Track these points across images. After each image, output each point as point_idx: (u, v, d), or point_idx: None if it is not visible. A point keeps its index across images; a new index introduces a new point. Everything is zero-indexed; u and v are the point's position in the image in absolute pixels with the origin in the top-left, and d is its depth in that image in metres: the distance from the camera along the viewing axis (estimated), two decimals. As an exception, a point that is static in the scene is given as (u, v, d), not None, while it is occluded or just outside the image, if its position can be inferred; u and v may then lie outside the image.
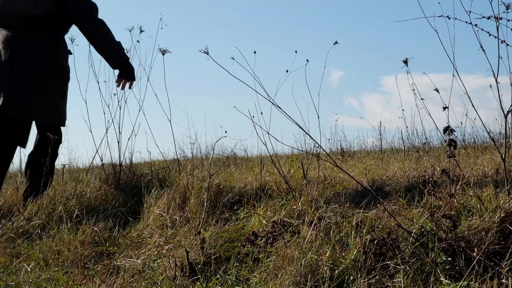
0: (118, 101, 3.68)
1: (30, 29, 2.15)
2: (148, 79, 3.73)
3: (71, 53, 2.48)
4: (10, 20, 2.19)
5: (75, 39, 3.47)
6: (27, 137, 2.43)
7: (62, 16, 2.26)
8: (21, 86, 2.23)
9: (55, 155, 2.50)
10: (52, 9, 2.20)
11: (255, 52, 4.35)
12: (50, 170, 2.43)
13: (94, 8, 2.28)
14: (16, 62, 2.20)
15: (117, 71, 2.65)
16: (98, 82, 3.74)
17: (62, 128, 2.56)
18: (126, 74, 2.52)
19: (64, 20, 2.29)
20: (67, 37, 2.64)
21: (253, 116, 3.92)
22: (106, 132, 3.69)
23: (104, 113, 3.74)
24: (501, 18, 1.94)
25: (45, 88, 2.30)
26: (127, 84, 2.66)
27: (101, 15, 2.74)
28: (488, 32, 1.98)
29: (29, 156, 2.56)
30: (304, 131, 2.31)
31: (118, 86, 2.58)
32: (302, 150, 4.50)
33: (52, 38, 2.29)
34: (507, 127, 2.10)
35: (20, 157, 4.55)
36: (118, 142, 3.73)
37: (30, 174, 2.55)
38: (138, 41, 3.75)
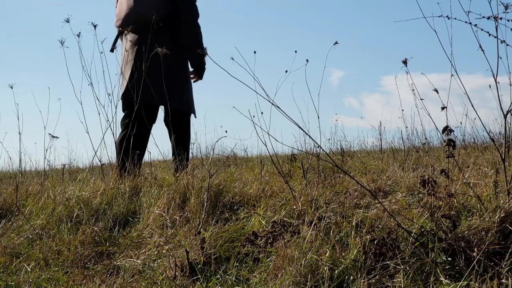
0: (111, 102, 3.70)
1: (155, 33, 2.53)
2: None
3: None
4: (138, 25, 2.58)
5: (65, 41, 3.49)
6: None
7: (174, 18, 2.64)
8: (157, 79, 2.64)
9: (186, 136, 2.94)
10: (168, 12, 2.61)
11: (255, 52, 4.34)
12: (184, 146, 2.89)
13: (198, 15, 2.68)
14: (147, 58, 2.58)
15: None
16: (91, 84, 3.75)
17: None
18: (199, 73, 2.92)
19: (176, 22, 2.65)
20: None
21: (253, 116, 3.91)
22: (103, 137, 3.70)
23: (99, 114, 3.75)
24: (500, 18, 1.95)
25: (178, 79, 2.71)
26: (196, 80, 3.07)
27: (101, 15, 2.79)
28: (487, 32, 1.98)
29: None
30: (304, 131, 2.32)
31: (193, 78, 2.95)
32: (302, 150, 4.50)
33: (172, 38, 2.67)
34: (507, 127, 2.10)
35: (20, 157, 4.55)
36: (115, 143, 3.73)
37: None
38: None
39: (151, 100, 2.76)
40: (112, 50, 2.99)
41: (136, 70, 2.70)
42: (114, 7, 2.81)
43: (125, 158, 2.92)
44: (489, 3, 1.94)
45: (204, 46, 2.67)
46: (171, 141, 2.98)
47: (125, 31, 2.75)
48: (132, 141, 2.88)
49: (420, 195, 2.44)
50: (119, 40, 2.91)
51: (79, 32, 3.66)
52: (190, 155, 3.63)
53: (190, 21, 2.65)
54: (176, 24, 2.68)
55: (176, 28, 2.69)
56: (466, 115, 5.09)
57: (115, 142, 3.24)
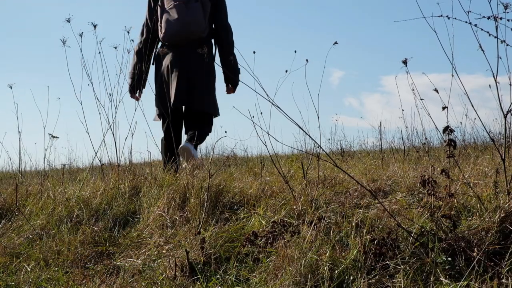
0: (110, 101, 3.71)
1: (198, 45, 2.81)
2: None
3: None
4: (185, 41, 2.98)
5: (67, 41, 3.50)
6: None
7: (211, 37, 3.14)
8: (194, 88, 3.07)
9: (208, 128, 3.27)
10: (209, 32, 3.09)
11: (254, 52, 4.34)
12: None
13: (232, 35, 3.16)
14: (186, 69, 3.05)
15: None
16: (92, 83, 3.75)
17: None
18: (234, 88, 3.34)
19: (211, 40, 3.16)
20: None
21: (253, 116, 3.91)
22: (104, 138, 3.71)
23: (100, 114, 3.75)
24: (500, 18, 1.94)
25: (210, 89, 3.15)
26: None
27: (101, 15, 2.86)
28: (487, 32, 1.98)
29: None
30: (304, 131, 2.32)
31: (227, 92, 3.38)
32: (302, 150, 4.50)
33: (210, 48, 3.12)
34: (507, 127, 2.10)
35: (20, 157, 4.55)
36: (115, 142, 3.73)
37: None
38: (132, 40, 3.78)
39: (194, 105, 3.15)
40: (153, 63, 3.31)
41: (184, 80, 3.08)
42: (149, 17, 3.16)
43: (167, 158, 3.29)
44: (489, 3, 1.94)
45: (239, 66, 3.09)
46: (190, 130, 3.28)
47: (171, 45, 3.11)
48: (176, 143, 3.29)
49: (420, 195, 2.44)
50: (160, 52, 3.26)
51: (82, 32, 3.67)
52: None
53: (232, 45, 3.13)
54: (209, 39, 3.13)
55: (212, 45, 3.14)
56: (466, 115, 5.09)
57: (162, 143, 3.50)
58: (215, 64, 3.20)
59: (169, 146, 3.24)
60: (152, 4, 3.18)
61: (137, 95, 3.39)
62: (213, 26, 3.15)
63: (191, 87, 3.11)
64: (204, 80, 3.12)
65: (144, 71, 3.27)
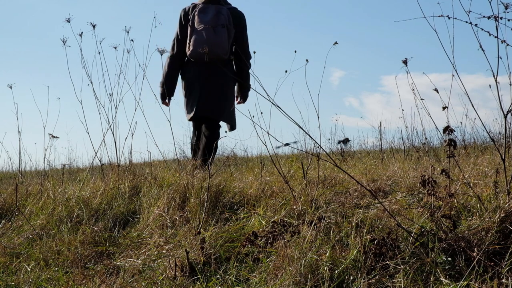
0: (110, 102, 3.73)
1: (221, 64, 3.43)
2: (143, 77, 3.75)
3: None
4: (209, 60, 3.35)
5: (67, 40, 3.51)
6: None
7: (231, 59, 3.61)
8: (216, 101, 3.48)
9: (216, 137, 3.58)
10: (231, 54, 3.54)
11: (254, 52, 4.36)
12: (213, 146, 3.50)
13: (250, 56, 3.60)
14: (210, 83, 3.46)
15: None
16: (92, 83, 3.76)
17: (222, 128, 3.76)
18: (245, 100, 3.80)
19: (231, 62, 3.63)
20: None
21: (253, 116, 3.91)
22: (104, 138, 3.71)
23: (100, 114, 3.75)
24: (501, 18, 1.94)
25: (231, 103, 3.58)
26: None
27: (101, 15, 2.87)
28: (488, 32, 1.98)
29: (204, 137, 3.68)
30: (304, 131, 2.31)
31: (237, 103, 3.78)
32: (302, 150, 4.50)
33: (231, 68, 3.59)
34: (507, 127, 2.10)
35: (20, 157, 4.55)
36: (115, 142, 3.73)
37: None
38: (132, 40, 3.79)
39: (216, 116, 3.54)
40: (181, 74, 3.68)
41: (204, 92, 3.48)
42: (181, 33, 3.54)
43: (196, 157, 3.62)
44: (490, 2, 1.94)
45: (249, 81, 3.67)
46: (202, 143, 3.64)
47: (197, 62, 3.50)
48: (196, 145, 3.67)
49: (420, 195, 2.44)
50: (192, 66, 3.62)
51: (82, 32, 3.68)
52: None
53: (249, 65, 3.57)
54: (231, 64, 3.61)
55: (230, 62, 3.60)
56: (466, 115, 5.09)
57: (191, 145, 3.79)
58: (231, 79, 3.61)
59: (196, 150, 3.69)
60: (183, 22, 3.54)
61: (166, 101, 3.73)
62: (236, 49, 3.60)
63: (212, 100, 3.48)
64: (223, 94, 3.51)
65: (174, 81, 3.67)
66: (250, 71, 3.60)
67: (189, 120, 3.64)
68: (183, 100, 3.64)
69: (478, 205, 1.96)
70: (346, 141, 5.57)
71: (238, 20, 3.50)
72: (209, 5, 3.45)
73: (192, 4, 3.55)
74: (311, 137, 2.19)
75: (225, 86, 3.52)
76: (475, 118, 5.24)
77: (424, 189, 2.13)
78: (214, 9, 3.42)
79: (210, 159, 3.38)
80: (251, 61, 3.59)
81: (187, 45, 3.46)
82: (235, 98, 3.76)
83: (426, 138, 4.85)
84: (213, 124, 3.59)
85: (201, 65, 3.47)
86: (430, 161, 3.39)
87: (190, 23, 3.44)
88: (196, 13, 3.42)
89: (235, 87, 3.73)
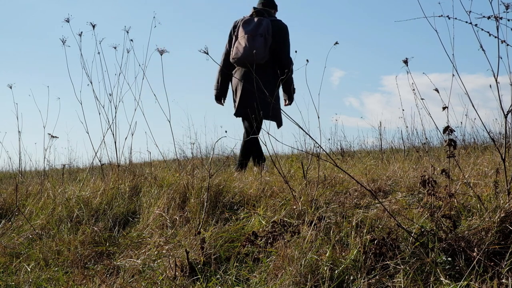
0: (110, 102, 3.73)
1: (259, 69, 3.72)
2: (143, 77, 3.76)
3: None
4: (249, 65, 3.75)
5: (66, 40, 3.51)
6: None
7: (271, 61, 3.94)
8: (252, 100, 3.76)
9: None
10: (269, 58, 3.88)
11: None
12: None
13: (292, 61, 3.96)
14: (250, 85, 3.79)
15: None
16: (91, 83, 3.76)
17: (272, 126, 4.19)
18: (290, 102, 4.12)
19: (271, 63, 3.95)
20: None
21: (253, 116, 3.91)
22: (104, 138, 3.71)
23: (100, 114, 3.75)
24: (501, 18, 1.94)
25: (266, 100, 3.65)
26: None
27: (101, 15, 2.88)
28: (488, 32, 1.98)
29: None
30: (304, 131, 2.31)
31: (285, 105, 4.15)
32: (302, 150, 4.50)
33: (272, 71, 3.90)
34: (507, 127, 2.10)
35: (20, 157, 4.55)
36: (115, 142, 3.74)
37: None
38: (131, 40, 3.79)
39: (259, 114, 3.80)
40: (227, 77, 4.10)
41: (246, 94, 3.88)
42: (229, 42, 4.02)
43: (245, 158, 4.01)
44: (490, 3, 1.94)
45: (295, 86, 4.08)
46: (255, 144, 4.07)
47: (239, 66, 3.97)
48: (247, 144, 4.00)
49: (420, 195, 2.44)
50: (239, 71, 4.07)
51: (81, 32, 3.68)
52: (190, 155, 3.88)
53: (290, 70, 3.88)
54: (271, 66, 3.91)
55: (271, 68, 3.91)
56: (466, 115, 5.09)
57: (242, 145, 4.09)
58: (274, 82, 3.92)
59: (244, 147, 4.04)
60: (232, 33, 4.06)
61: (221, 101, 4.19)
62: (277, 55, 3.97)
63: (251, 100, 3.79)
64: (263, 95, 3.77)
65: (225, 84, 4.14)
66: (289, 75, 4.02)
67: (236, 115, 4.06)
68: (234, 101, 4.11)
69: (478, 205, 1.96)
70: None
71: (278, 30, 3.93)
72: (253, 17, 3.97)
73: (242, 17, 4.06)
74: (311, 137, 2.19)
75: (266, 89, 3.79)
76: (475, 118, 5.24)
77: (424, 189, 2.13)
78: (257, 21, 3.90)
79: (259, 156, 3.91)
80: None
81: (231, 52, 3.95)
82: (284, 101, 4.17)
83: (426, 138, 4.86)
84: (253, 123, 3.95)
85: (243, 69, 3.94)
86: (430, 161, 3.38)
87: (235, 33, 3.98)
88: (241, 24, 3.95)
89: (280, 89, 4.14)
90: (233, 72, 4.06)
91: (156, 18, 3.75)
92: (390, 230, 1.88)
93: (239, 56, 3.83)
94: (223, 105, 4.22)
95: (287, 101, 4.15)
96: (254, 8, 4.02)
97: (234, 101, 4.06)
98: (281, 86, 4.08)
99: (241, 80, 3.92)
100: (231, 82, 4.11)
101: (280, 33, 3.93)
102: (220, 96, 4.17)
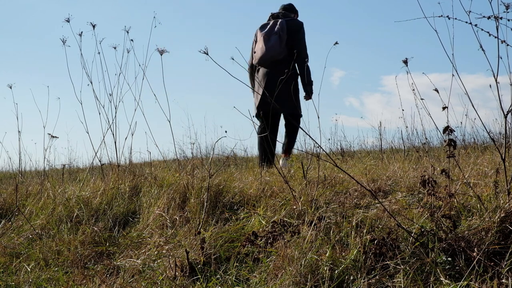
0: (110, 102, 3.72)
1: (279, 65, 4.01)
2: (143, 77, 3.76)
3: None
4: (268, 62, 4.09)
5: (67, 40, 3.51)
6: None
7: (289, 58, 4.14)
8: (278, 96, 3.96)
9: (296, 131, 4.28)
10: (286, 55, 4.12)
11: (254, 52, 4.37)
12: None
13: (307, 57, 4.19)
14: (275, 82, 3.91)
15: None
16: (91, 83, 3.76)
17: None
18: (309, 95, 4.28)
19: (289, 59, 4.15)
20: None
21: (253, 116, 3.91)
22: (104, 138, 3.71)
23: (100, 114, 3.75)
24: (501, 18, 1.94)
25: (289, 95, 4.02)
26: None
27: (101, 15, 2.87)
28: (488, 32, 1.98)
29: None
30: (304, 131, 2.31)
31: (305, 99, 4.31)
32: (302, 150, 4.50)
33: (290, 67, 4.03)
34: (507, 127, 2.10)
35: (20, 157, 4.55)
36: (115, 142, 3.74)
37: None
38: (132, 40, 3.80)
39: (279, 109, 4.08)
40: (253, 82, 4.38)
41: (267, 90, 4.08)
42: (252, 48, 4.34)
43: (264, 154, 4.13)
44: (490, 3, 1.94)
45: (312, 79, 4.26)
46: (286, 135, 4.29)
47: (260, 66, 4.25)
48: (266, 140, 4.09)
49: (420, 195, 2.44)
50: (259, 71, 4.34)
51: (81, 32, 3.68)
52: (190, 155, 3.89)
53: (305, 63, 4.14)
54: (290, 61, 4.08)
55: (289, 63, 4.08)
56: (466, 115, 5.09)
57: (259, 142, 4.22)
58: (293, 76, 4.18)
59: (263, 142, 4.19)
60: (254, 38, 4.39)
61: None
62: (293, 50, 4.17)
63: (277, 96, 3.98)
64: (284, 89, 3.98)
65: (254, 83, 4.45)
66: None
67: (256, 116, 4.28)
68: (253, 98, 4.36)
69: (478, 205, 1.96)
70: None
71: (293, 27, 4.19)
72: (270, 21, 4.31)
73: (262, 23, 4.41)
74: (310, 137, 2.19)
75: (284, 83, 4.02)
76: (475, 118, 5.25)
77: (424, 189, 2.13)
78: (272, 23, 4.23)
79: (288, 145, 4.15)
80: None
81: (253, 54, 4.30)
82: (304, 97, 4.36)
83: (426, 138, 4.86)
84: (278, 118, 4.22)
85: (264, 68, 4.21)
86: (430, 161, 3.38)
87: (256, 37, 4.36)
88: (259, 28, 4.32)
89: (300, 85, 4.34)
90: (255, 72, 4.33)
91: (156, 18, 3.75)
92: (390, 230, 1.88)
93: (258, 56, 4.16)
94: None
95: (307, 96, 4.32)
96: (272, 13, 4.36)
97: (256, 99, 4.28)
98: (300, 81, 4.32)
99: (264, 77, 4.18)
100: (254, 81, 4.40)
101: (295, 29, 4.18)
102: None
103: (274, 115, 4.14)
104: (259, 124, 4.26)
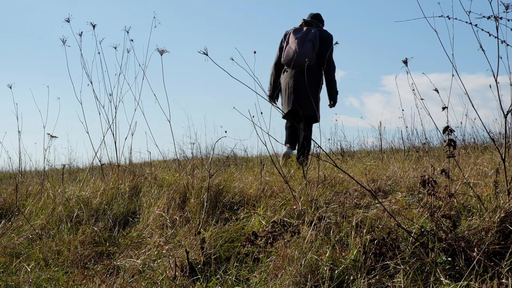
0: (110, 102, 3.73)
1: (308, 70, 4.02)
2: (143, 77, 3.76)
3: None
4: (299, 66, 4.23)
5: (67, 40, 3.51)
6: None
7: (317, 64, 4.36)
8: (302, 98, 4.25)
9: (310, 137, 4.35)
10: (316, 62, 4.33)
11: (255, 52, 4.35)
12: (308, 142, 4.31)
13: (335, 66, 4.45)
14: (301, 86, 4.28)
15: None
16: (91, 83, 3.76)
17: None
18: (333, 104, 4.49)
19: (318, 65, 4.38)
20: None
21: (253, 116, 3.90)
22: (104, 138, 3.71)
23: (100, 114, 3.75)
24: (501, 18, 1.94)
25: (314, 100, 4.22)
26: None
27: (101, 15, 2.88)
28: (488, 32, 1.98)
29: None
30: (303, 130, 2.31)
31: (329, 106, 4.54)
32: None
33: (318, 73, 4.34)
34: (507, 127, 2.10)
35: (20, 157, 4.55)
36: (115, 142, 3.74)
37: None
38: (132, 40, 3.80)
39: (302, 111, 4.19)
40: (275, 91, 4.58)
41: (294, 92, 4.32)
42: (280, 48, 4.51)
43: (289, 137, 4.35)
44: (490, 3, 1.94)
45: (337, 87, 4.49)
46: (301, 136, 4.42)
47: (288, 67, 4.42)
48: (292, 135, 4.31)
49: (420, 195, 2.44)
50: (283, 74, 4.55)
51: (81, 32, 3.68)
52: (190, 155, 3.90)
53: (333, 73, 4.41)
54: (317, 68, 4.34)
55: (318, 69, 4.34)
56: (466, 115, 5.09)
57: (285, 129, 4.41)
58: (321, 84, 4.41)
59: (289, 135, 4.41)
60: (283, 39, 4.59)
61: (274, 100, 4.58)
62: (322, 59, 4.39)
63: (301, 98, 4.29)
64: (309, 93, 4.26)
65: (277, 84, 4.60)
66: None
67: (283, 117, 4.45)
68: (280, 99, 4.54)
69: (478, 205, 1.96)
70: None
71: (324, 38, 4.43)
72: (303, 27, 4.52)
73: (293, 27, 4.60)
74: (310, 137, 2.19)
75: (311, 88, 4.31)
76: (475, 118, 5.24)
77: (424, 189, 2.13)
78: (306, 29, 4.45)
79: (305, 150, 4.22)
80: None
81: (282, 55, 4.47)
82: (329, 102, 4.57)
83: (426, 138, 4.86)
84: (300, 118, 4.35)
85: (292, 70, 4.38)
86: (430, 161, 3.38)
87: (286, 38, 4.54)
88: (291, 32, 4.51)
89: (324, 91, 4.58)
90: (282, 73, 4.54)
91: (156, 18, 3.75)
92: (390, 230, 1.88)
93: (289, 58, 4.36)
94: (275, 103, 4.64)
95: (331, 103, 4.55)
96: (304, 19, 4.61)
97: (283, 100, 4.49)
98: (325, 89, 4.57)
99: (291, 80, 4.42)
100: (281, 83, 4.60)
101: (326, 40, 4.45)
102: (273, 95, 4.64)
103: (298, 114, 4.33)
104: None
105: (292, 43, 4.43)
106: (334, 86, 4.47)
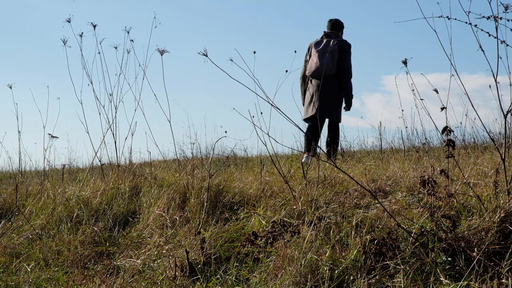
0: (110, 102, 3.73)
1: (329, 79, 4.65)
2: (143, 77, 3.76)
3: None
4: (321, 76, 4.60)
5: (67, 41, 3.51)
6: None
7: (338, 73, 4.85)
8: (325, 104, 4.77)
9: (337, 135, 4.91)
10: (336, 71, 4.80)
11: (254, 52, 4.34)
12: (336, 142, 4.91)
13: (352, 74, 4.92)
14: (324, 93, 4.79)
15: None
16: (92, 83, 3.76)
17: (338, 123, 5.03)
18: (348, 107, 4.94)
19: (339, 75, 4.88)
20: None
21: (253, 116, 3.90)
22: (104, 138, 3.72)
23: (100, 114, 3.76)
24: (500, 18, 1.94)
25: (336, 104, 4.82)
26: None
27: (101, 15, 2.87)
28: (487, 32, 1.98)
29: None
30: (303, 131, 2.31)
31: (345, 109, 4.97)
32: (302, 151, 4.49)
33: (339, 81, 4.82)
34: (507, 127, 2.10)
35: (20, 157, 4.55)
36: (115, 142, 3.74)
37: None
38: (132, 40, 3.80)
39: (325, 115, 4.78)
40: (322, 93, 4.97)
41: (318, 99, 4.79)
42: (304, 62, 5.02)
43: (308, 147, 4.67)
44: (489, 3, 1.94)
45: (352, 92, 4.95)
46: (328, 138, 4.90)
47: (312, 78, 4.92)
48: (313, 137, 4.69)
49: (420, 195, 2.44)
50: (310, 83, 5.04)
51: (82, 32, 3.68)
52: (190, 155, 3.90)
53: (349, 80, 4.86)
54: (339, 76, 4.82)
55: (339, 78, 4.83)
56: (466, 115, 5.10)
57: (305, 136, 4.81)
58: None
59: (309, 139, 4.77)
60: (307, 51, 5.07)
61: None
62: (340, 68, 4.89)
63: (324, 104, 4.77)
64: (332, 100, 4.80)
65: (305, 93, 5.12)
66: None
67: (304, 119, 4.88)
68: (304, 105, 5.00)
69: (478, 205, 1.96)
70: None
71: (342, 48, 4.87)
72: (323, 39, 4.96)
73: (315, 40, 5.05)
74: (311, 137, 2.19)
75: (332, 94, 4.82)
76: (475, 118, 5.24)
77: (424, 189, 2.13)
78: (325, 41, 4.89)
79: (333, 149, 4.69)
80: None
81: (306, 67, 4.97)
82: (345, 108, 4.99)
83: (426, 138, 4.86)
84: (323, 122, 4.83)
85: (316, 81, 4.86)
86: (430, 161, 3.38)
87: (310, 51, 5.02)
88: (313, 44, 4.99)
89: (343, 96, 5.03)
90: (307, 83, 5.04)
91: (156, 18, 3.75)
92: (390, 230, 1.88)
93: (312, 70, 4.83)
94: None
95: (347, 107, 4.94)
96: (324, 32, 5.02)
97: (307, 106, 4.91)
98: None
99: (315, 88, 4.89)
100: (306, 90, 5.08)
101: (343, 50, 4.89)
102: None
103: (321, 118, 4.76)
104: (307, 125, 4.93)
105: (314, 55, 4.90)
106: (349, 91, 4.88)
